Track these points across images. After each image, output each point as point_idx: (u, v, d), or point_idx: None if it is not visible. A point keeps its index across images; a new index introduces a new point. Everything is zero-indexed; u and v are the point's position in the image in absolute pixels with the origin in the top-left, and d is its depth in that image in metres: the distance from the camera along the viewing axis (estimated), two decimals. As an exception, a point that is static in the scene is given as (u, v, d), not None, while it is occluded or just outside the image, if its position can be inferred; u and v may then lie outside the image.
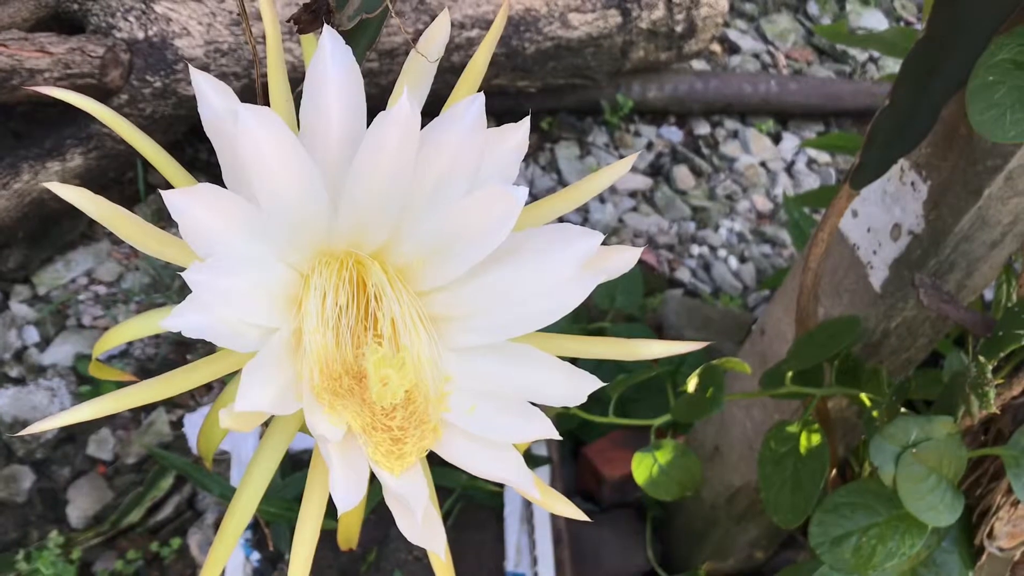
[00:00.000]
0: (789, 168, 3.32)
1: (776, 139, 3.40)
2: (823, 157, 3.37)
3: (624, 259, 0.66)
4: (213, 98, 0.62)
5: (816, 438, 1.15)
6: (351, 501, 0.59)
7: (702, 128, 3.34)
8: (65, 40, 2.25)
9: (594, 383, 0.65)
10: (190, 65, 0.64)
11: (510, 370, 0.69)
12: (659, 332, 2.31)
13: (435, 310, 0.72)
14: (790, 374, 1.18)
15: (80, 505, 2.12)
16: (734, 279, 2.84)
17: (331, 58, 0.61)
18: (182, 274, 0.56)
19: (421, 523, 0.61)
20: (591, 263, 0.65)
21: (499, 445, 0.65)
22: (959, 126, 1.20)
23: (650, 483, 1.24)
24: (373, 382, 0.64)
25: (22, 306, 2.38)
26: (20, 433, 0.61)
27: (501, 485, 1.70)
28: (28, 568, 1.95)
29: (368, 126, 0.63)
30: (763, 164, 3.30)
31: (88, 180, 2.37)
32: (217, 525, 1.91)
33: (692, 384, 1.24)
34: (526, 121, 0.64)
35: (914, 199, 1.28)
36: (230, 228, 0.61)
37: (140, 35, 2.34)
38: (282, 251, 0.66)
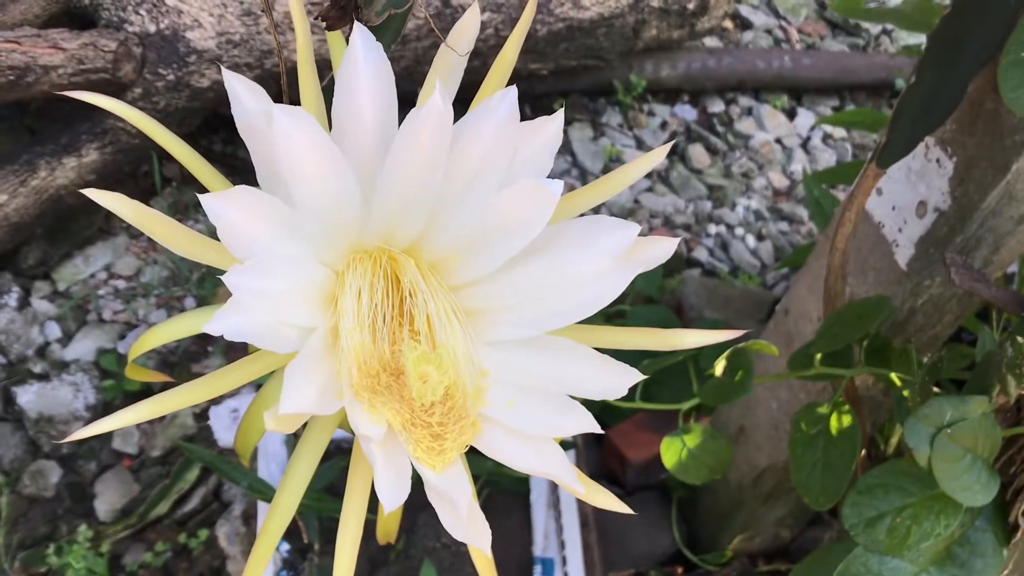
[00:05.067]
0: (805, 144, 3.30)
1: (791, 115, 3.38)
2: (839, 132, 3.34)
3: (661, 249, 0.66)
4: (247, 99, 0.61)
5: (847, 419, 1.15)
6: (397, 500, 0.59)
7: (716, 106, 3.32)
8: (77, 36, 2.24)
9: (634, 376, 0.64)
10: (222, 66, 0.63)
11: (547, 363, 0.69)
12: (678, 313, 2.30)
13: (470, 304, 0.71)
14: (819, 355, 1.17)
15: (107, 499, 2.14)
16: (752, 257, 2.83)
17: (363, 56, 0.61)
18: (223, 278, 0.56)
19: (466, 519, 0.61)
20: (628, 254, 0.65)
21: (540, 439, 0.65)
22: (985, 101, 1.18)
23: (679, 467, 1.24)
24: (412, 379, 0.64)
25: (43, 302, 2.39)
26: (63, 440, 0.61)
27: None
28: (59, 562, 1.97)
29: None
30: (778, 141, 3.28)
31: (104, 175, 2.38)
32: (245, 516, 1.92)
33: (719, 367, 1.24)
34: (560, 114, 0.64)
35: (939, 176, 1.27)
36: (267, 230, 0.61)
37: (152, 28, 2.33)
38: (317, 250, 0.66)
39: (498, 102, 0.63)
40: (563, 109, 0.64)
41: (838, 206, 2.06)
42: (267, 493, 1.53)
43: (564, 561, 1.68)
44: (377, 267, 0.70)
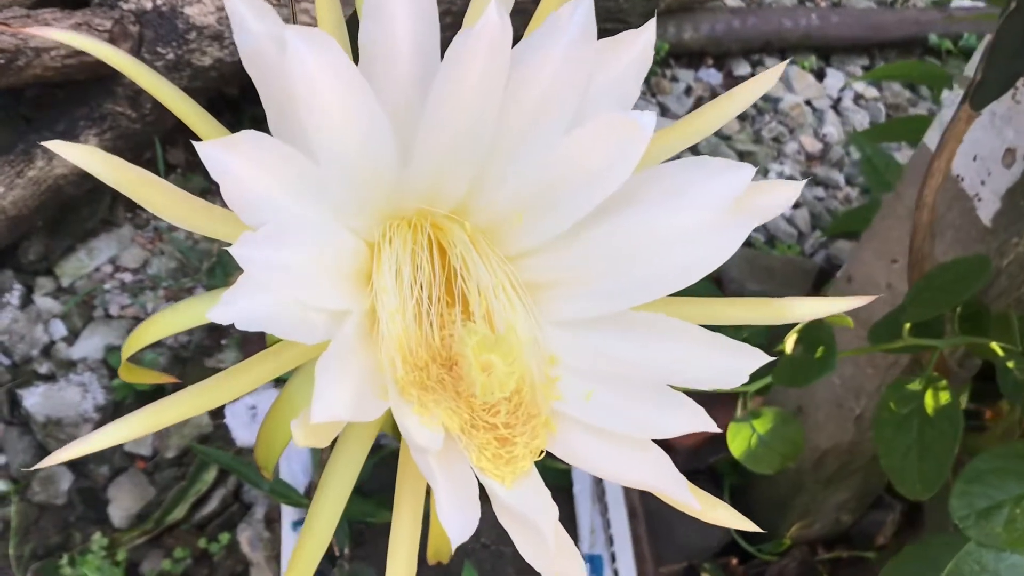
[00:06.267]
0: (836, 105, 3.15)
1: (820, 76, 3.23)
2: (871, 92, 3.19)
3: (783, 197, 0.52)
4: (251, 22, 0.48)
5: (944, 396, 1.01)
6: (466, 528, 0.46)
7: (742, 68, 3.17)
8: (70, 15, 2.12)
9: (760, 358, 0.51)
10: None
11: (635, 346, 0.55)
12: (719, 285, 2.16)
13: (531, 276, 0.58)
14: (907, 325, 1.04)
15: (122, 504, 2.03)
16: (788, 225, 2.68)
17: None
18: (229, 249, 0.43)
19: (554, 547, 0.48)
20: (739, 204, 0.51)
21: (633, 441, 0.52)
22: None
23: (749, 456, 1.11)
24: (474, 371, 0.51)
25: (46, 299, 2.28)
26: (39, 466, 0.48)
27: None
28: (73, 573, 1.86)
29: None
30: (808, 103, 3.13)
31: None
32: (267, 519, 1.81)
33: (790, 344, 1.11)
34: (651, 25, 0.50)
35: (1032, 119, 1.13)
36: (282, 187, 0.47)
37: (148, 5, 2.20)
38: (345, 213, 0.53)
39: (568, 16, 0.49)
40: (655, 19, 0.50)
41: (892, 163, 1.92)
42: (290, 496, 1.40)
43: (613, 558, 1.55)
44: (418, 235, 0.56)
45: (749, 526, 0.54)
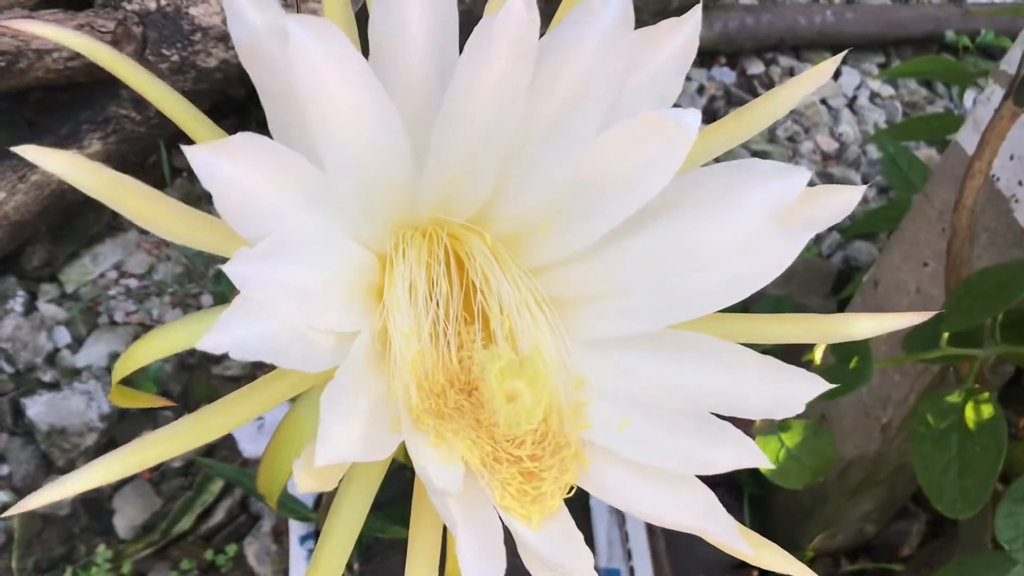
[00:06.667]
0: (851, 104, 3.09)
1: (835, 74, 3.16)
2: (887, 90, 3.14)
3: (841, 202, 0.46)
4: (250, 12, 0.43)
5: (987, 409, 0.96)
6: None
7: (755, 67, 3.11)
8: (72, 16, 2.08)
9: (818, 385, 0.46)
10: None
11: (673, 369, 0.50)
12: (737, 290, 2.11)
13: (558, 290, 0.53)
14: (946, 334, 0.98)
15: (127, 514, 1.99)
16: (805, 227, 2.62)
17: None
18: (223, 267, 0.38)
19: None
20: (792, 212, 0.46)
21: (674, 477, 0.47)
22: None
23: (778, 471, 1.05)
24: (497, 400, 0.45)
25: (50, 306, 2.24)
26: (8, 514, 0.43)
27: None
28: (77, 586, 1.82)
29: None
30: (823, 101, 3.07)
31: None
32: (275, 532, 1.76)
33: (819, 354, 1.05)
34: (697, 11, 0.44)
35: (1074, 115, 1.07)
36: (282, 194, 0.42)
37: (152, 5, 2.16)
38: (354, 223, 0.48)
39: (602, 3, 0.44)
40: (701, 5, 0.45)
41: (916, 163, 1.86)
42: (298, 511, 1.36)
43: (632, 572, 1.50)
44: (434, 246, 0.51)
45: (803, 571, 0.48)
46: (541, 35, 0.45)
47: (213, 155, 0.38)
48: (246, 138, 0.39)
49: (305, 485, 0.39)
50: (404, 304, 0.49)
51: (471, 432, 0.48)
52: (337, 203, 0.45)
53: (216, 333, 0.38)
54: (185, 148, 0.37)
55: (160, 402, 0.61)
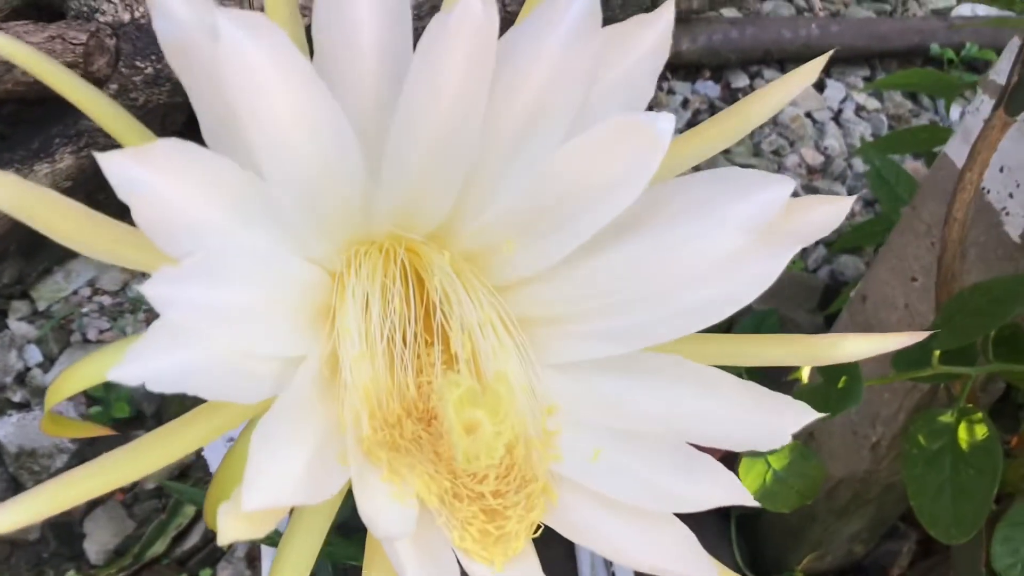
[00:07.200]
0: (837, 117, 3.08)
1: (820, 87, 3.15)
2: (872, 103, 3.12)
3: (829, 214, 0.43)
4: (176, 6, 0.39)
5: (981, 430, 0.92)
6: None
7: (740, 80, 3.09)
8: (43, 28, 2.03)
9: (807, 415, 0.42)
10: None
11: (649, 396, 0.46)
12: (722, 305, 2.07)
13: (525, 310, 0.49)
14: (937, 352, 0.95)
15: (98, 538, 1.93)
16: (791, 241, 2.60)
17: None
18: (141, 288, 0.34)
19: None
20: (776, 225, 0.42)
21: (650, 515, 0.43)
22: None
23: (764, 494, 1.02)
24: (455, 433, 0.41)
25: (21, 324, 2.18)
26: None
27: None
28: (45, 614, 1.76)
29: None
30: (808, 115, 3.05)
31: (81, 181, 2.16)
32: (249, 557, 1.71)
33: (806, 373, 1.01)
34: (668, 8, 0.41)
35: (1066, 126, 1.04)
36: (214, 206, 0.38)
37: (125, 17, 2.12)
38: (298, 238, 0.43)
39: (567, 1, 0.40)
40: (672, 2, 0.41)
41: (903, 175, 1.83)
42: (270, 537, 1.30)
43: (617, 600, 1.45)
44: (391, 262, 0.47)
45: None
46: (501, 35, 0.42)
47: (129, 162, 0.34)
48: (169, 143, 0.35)
49: (231, 533, 0.35)
50: (356, 325, 0.45)
51: (429, 466, 0.44)
52: (278, 216, 0.41)
53: (128, 365, 0.33)
54: (97, 155, 0.33)
55: (93, 432, 0.57)
